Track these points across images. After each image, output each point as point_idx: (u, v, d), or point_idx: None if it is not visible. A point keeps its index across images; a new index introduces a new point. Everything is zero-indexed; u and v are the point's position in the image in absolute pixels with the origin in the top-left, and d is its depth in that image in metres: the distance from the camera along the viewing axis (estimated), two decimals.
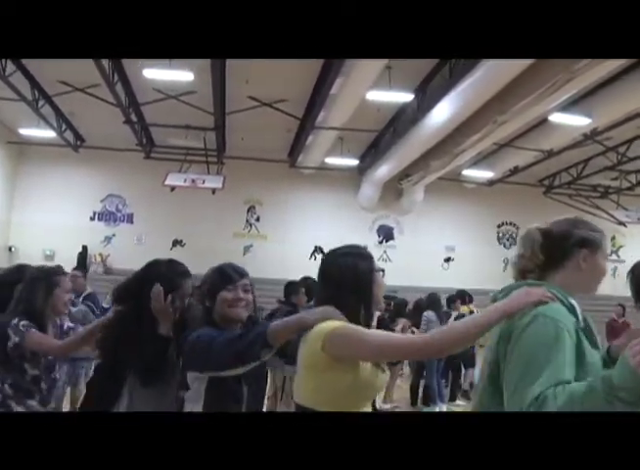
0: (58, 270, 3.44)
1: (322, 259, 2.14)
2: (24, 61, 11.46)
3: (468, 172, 17.31)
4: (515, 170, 17.02)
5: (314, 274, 2.24)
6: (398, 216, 18.12)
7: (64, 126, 15.16)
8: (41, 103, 13.10)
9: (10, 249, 16.30)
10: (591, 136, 13.54)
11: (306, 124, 13.31)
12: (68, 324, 3.46)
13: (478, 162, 16.38)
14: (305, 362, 1.93)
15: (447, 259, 18.86)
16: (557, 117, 12.08)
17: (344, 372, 1.85)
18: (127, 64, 11.37)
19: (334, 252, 2.12)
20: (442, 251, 18.76)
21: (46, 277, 3.28)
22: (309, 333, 1.90)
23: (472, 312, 8.81)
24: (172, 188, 15.40)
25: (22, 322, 3.08)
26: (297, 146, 15.65)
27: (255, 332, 2.00)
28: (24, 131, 15.50)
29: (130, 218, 17.66)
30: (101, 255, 17.14)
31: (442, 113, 11.16)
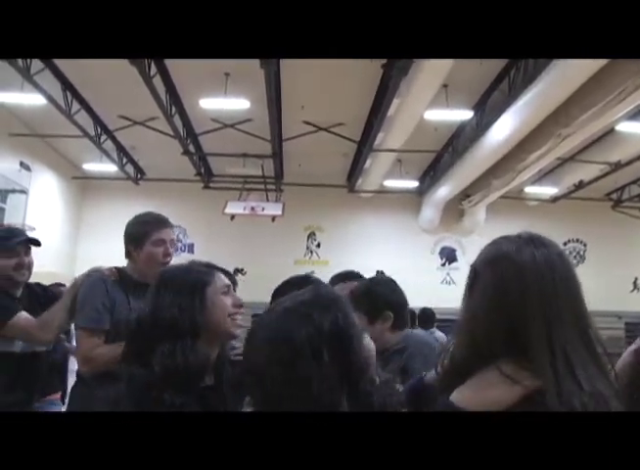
0: None
1: None
2: (88, 98, 11.78)
3: (530, 189, 16.84)
4: (579, 185, 16.45)
5: None
6: (461, 237, 17.68)
7: (124, 160, 15.49)
8: (103, 138, 13.41)
9: None
10: None
11: (364, 148, 13.19)
12: None
13: (540, 178, 15.94)
14: None
15: None
16: (625, 127, 11.63)
17: None
18: (184, 95, 11.54)
19: None
20: None
21: None
22: None
23: None
24: (232, 217, 15.45)
25: None
26: (355, 170, 15.55)
27: None
28: (88, 166, 15.91)
29: (191, 248, 17.80)
30: None
31: (503, 129, 10.86)
